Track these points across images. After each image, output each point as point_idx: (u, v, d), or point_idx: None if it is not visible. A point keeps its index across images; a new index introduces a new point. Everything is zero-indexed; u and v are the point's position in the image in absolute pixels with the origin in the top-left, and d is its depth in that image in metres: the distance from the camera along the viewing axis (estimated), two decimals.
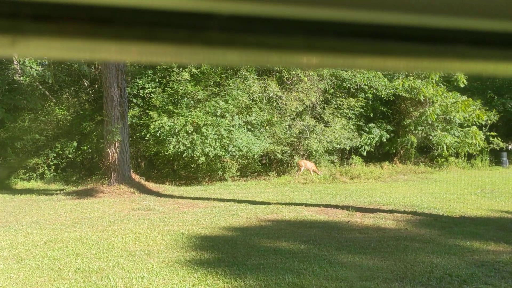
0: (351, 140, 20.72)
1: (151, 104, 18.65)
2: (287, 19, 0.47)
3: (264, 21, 0.47)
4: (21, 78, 18.60)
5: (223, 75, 19.01)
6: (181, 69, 18.76)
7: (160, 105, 18.16)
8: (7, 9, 0.42)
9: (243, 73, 19.02)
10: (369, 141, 21.79)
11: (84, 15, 0.44)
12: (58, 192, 15.75)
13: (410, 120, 22.45)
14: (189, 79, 18.39)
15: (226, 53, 0.50)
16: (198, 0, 0.43)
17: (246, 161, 18.83)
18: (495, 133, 23.99)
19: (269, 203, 11.85)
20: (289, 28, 0.48)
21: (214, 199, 13.00)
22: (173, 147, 16.45)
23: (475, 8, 0.48)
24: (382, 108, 23.03)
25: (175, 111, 17.51)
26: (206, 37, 0.47)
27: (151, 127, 17.20)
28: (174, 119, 17.10)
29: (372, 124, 22.54)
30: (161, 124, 16.90)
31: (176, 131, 16.60)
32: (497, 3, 0.49)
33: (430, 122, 21.97)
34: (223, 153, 16.83)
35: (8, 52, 0.45)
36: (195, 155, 16.50)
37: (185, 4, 0.44)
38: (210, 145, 16.52)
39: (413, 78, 22.11)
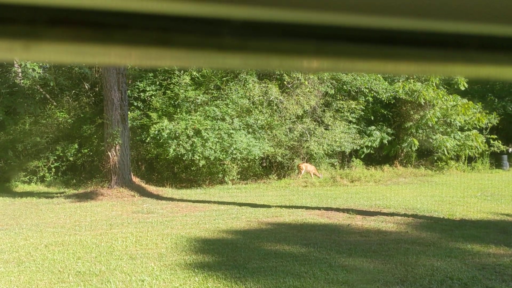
0: (352, 143, 20.74)
1: (151, 106, 18.65)
2: (296, 25, 0.47)
3: (274, 27, 0.47)
4: (22, 81, 18.62)
5: (224, 79, 19.02)
6: (182, 71, 18.76)
7: (160, 108, 18.16)
8: (23, 14, 0.43)
9: (244, 77, 19.04)
10: (369, 143, 21.80)
11: (98, 19, 0.44)
12: (59, 195, 15.74)
13: (410, 123, 22.47)
14: (189, 83, 18.37)
15: (237, 58, 0.50)
16: (211, 6, 0.44)
17: (247, 164, 18.84)
18: (496, 136, 23.98)
19: (269, 206, 11.84)
20: (297, 33, 0.49)
21: (214, 202, 12.99)
22: (173, 150, 16.45)
23: (480, 13, 0.49)
24: (383, 111, 23.05)
25: (175, 115, 17.50)
26: (219, 42, 0.48)
27: (152, 129, 17.19)
28: (174, 122, 17.09)
29: (373, 127, 22.56)
30: (161, 127, 16.89)
31: (177, 134, 16.60)
32: (501, 6, 0.50)
33: (430, 125, 21.99)
34: (224, 155, 16.83)
35: (21, 56, 0.46)
36: (195, 158, 16.50)
37: (197, 10, 0.45)
38: (210, 148, 16.52)
39: (413, 81, 22.13)
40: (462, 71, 0.61)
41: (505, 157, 24.61)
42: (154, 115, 17.70)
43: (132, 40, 0.46)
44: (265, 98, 19.07)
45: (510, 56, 0.55)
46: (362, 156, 21.86)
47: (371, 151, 22.17)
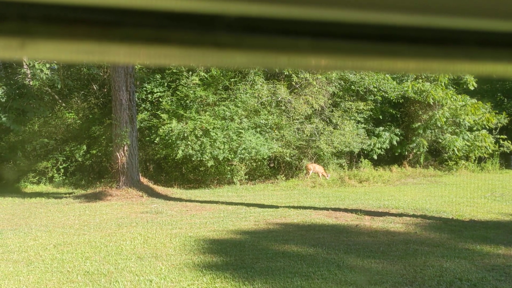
0: (361, 143, 20.70)
1: (160, 107, 18.69)
2: (295, 20, 0.47)
3: (271, 22, 0.47)
4: (31, 82, 18.72)
5: (232, 79, 19.04)
6: (190, 73, 18.79)
7: (170, 109, 18.18)
8: (15, 11, 0.42)
9: (252, 77, 19.06)
10: (379, 144, 21.72)
11: (93, 17, 0.44)
12: (67, 195, 15.82)
13: (419, 124, 22.35)
14: (199, 83, 18.38)
15: (235, 55, 0.50)
16: (204, 1, 0.43)
17: (255, 164, 18.83)
18: (505, 136, 23.78)
19: (277, 207, 11.83)
20: (297, 29, 0.48)
21: (222, 203, 13.00)
22: (182, 151, 16.48)
23: (484, 9, 0.48)
24: (391, 111, 22.96)
25: (185, 114, 17.53)
26: (214, 38, 0.47)
27: (161, 130, 17.23)
28: (183, 123, 17.13)
29: (381, 128, 22.48)
30: (170, 128, 16.93)
31: (185, 135, 16.64)
32: (500, 1, 0.49)
33: (439, 125, 21.87)
34: (232, 156, 16.84)
35: (18, 54, 0.46)
36: (204, 158, 16.52)
37: (192, 6, 0.44)
38: (218, 148, 16.55)
39: (422, 81, 22.03)
40: (469, 69, 0.60)
41: None
42: (164, 116, 17.74)
43: (128, 37, 0.46)
44: (273, 98, 19.08)
45: (511, 52, 0.54)
46: (375, 157, 21.76)
47: (382, 152, 22.07)
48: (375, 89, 21.37)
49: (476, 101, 22.12)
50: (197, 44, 0.47)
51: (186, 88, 18.34)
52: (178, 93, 18.49)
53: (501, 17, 0.49)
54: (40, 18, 0.43)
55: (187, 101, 18.15)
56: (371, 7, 0.46)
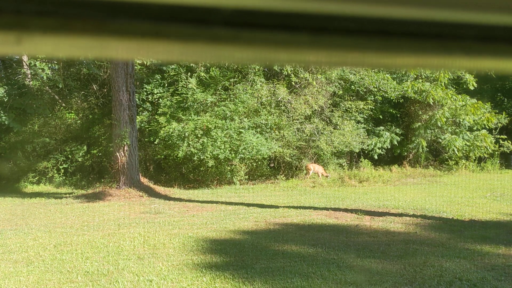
0: (362, 143, 20.70)
1: (160, 108, 18.70)
2: (293, 14, 0.46)
3: (269, 16, 0.46)
4: (31, 82, 18.72)
5: (232, 80, 19.04)
6: (189, 73, 18.78)
7: (168, 111, 18.17)
8: (10, 5, 0.42)
9: (252, 77, 19.06)
10: (379, 144, 21.73)
11: (87, 11, 0.44)
12: (67, 195, 15.82)
13: (419, 124, 22.36)
14: (195, 88, 18.29)
15: (233, 50, 0.49)
16: None
17: (255, 164, 18.84)
18: (505, 136, 23.77)
19: (277, 207, 11.82)
20: (296, 23, 0.48)
21: (222, 203, 12.99)
22: (183, 151, 16.48)
23: (483, 2, 0.47)
24: (391, 111, 22.97)
25: (183, 117, 17.52)
26: (211, 33, 0.47)
27: (161, 132, 17.22)
28: (183, 123, 17.12)
29: (381, 127, 22.50)
30: (170, 130, 16.92)
31: (186, 135, 16.64)
32: None
33: (439, 125, 21.88)
34: (233, 155, 16.84)
35: (15, 50, 0.45)
36: (205, 156, 16.52)
37: None
38: (219, 147, 16.54)
39: (422, 81, 22.04)
40: (468, 64, 0.60)
41: None
42: (162, 119, 17.74)
43: (123, 32, 0.46)
44: (273, 98, 19.08)
45: (510, 47, 0.54)
46: (375, 156, 21.76)
47: (382, 151, 22.07)
48: (375, 89, 21.39)
49: (476, 101, 22.12)
50: (193, 39, 0.47)
51: (185, 89, 18.32)
52: (176, 97, 18.47)
53: (500, 11, 0.48)
54: (35, 11, 0.43)
55: (187, 104, 18.12)
56: (370, 0, 0.46)
